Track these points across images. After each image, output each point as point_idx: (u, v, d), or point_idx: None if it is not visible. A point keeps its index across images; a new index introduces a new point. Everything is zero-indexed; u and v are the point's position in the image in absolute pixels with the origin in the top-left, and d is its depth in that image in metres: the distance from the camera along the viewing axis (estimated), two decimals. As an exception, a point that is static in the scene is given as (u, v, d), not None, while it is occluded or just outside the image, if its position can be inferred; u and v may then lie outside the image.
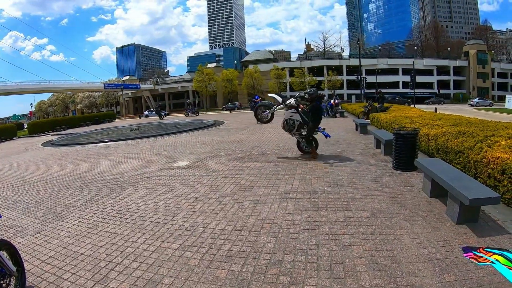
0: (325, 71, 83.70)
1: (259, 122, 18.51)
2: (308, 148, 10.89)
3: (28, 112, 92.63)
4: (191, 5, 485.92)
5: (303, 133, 10.81)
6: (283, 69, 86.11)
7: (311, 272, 3.89)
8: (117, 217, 6.57)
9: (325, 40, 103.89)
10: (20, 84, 74.10)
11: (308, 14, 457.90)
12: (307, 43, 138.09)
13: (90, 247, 5.26)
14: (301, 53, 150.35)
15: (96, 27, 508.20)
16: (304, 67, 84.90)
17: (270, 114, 13.17)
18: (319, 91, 12.78)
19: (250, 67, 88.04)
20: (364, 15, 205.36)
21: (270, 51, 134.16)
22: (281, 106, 11.66)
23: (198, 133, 22.37)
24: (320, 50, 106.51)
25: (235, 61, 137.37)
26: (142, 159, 13.33)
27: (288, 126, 10.85)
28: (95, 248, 5.17)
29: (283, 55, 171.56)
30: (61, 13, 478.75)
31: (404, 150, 8.15)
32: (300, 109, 10.76)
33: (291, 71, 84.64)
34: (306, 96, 10.97)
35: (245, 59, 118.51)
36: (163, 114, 49.62)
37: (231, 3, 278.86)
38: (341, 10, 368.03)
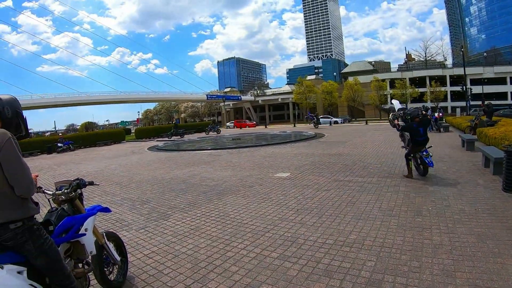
0: (428, 81, 79.80)
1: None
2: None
3: (135, 119, 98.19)
4: (287, 18, 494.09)
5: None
6: (383, 80, 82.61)
7: (411, 295, 3.73)
8: (219, 221, 6.80)
9: (426, 49, 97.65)
10: (127, 94, 79.65)
11: (406, 21, 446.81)
12: (407, 52, 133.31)
13: (191, 247, 5.50)
14: (401, 63, 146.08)
15: (197, 42, 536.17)
16: (405, 78, 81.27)
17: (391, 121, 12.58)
18: (423, 105, 12.32)
19: (350, 78, 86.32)
20: (466, 19, 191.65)
21: (370, 62, 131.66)
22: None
23: (298, 145, 22.32)
24: (422, 59, 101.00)
25: (334, 73, 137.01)
26: (243, 168, 13.59)
27: (401, 138, 11.15)
28: (196, 249, 5.39)
29: (382, 66, 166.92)
30: (163, 30, 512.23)
31: (516, 170, 7.53)
32: (396, 124, 10.78)
33: (392, 82, 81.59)
34: (407, 116, 10.69)
35: (344, 70, 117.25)
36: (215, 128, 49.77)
37: (328, 14, 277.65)
38: (440, 15, 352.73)
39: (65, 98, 69.27)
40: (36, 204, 3.00)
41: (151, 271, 4.71)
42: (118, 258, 4.29)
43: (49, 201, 3.75)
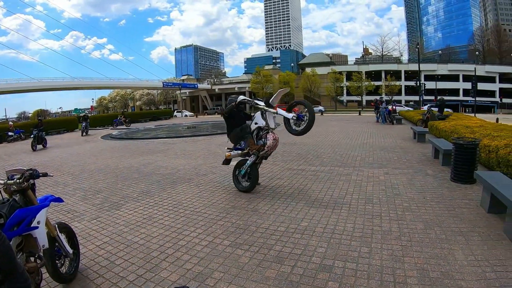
0: (383, 76, 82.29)
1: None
2: None
3: (89, 107, 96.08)
4: (245, 7, 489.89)
5: None
6: (340, 72, 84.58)
7: (360, 281, 3.83)
8: (172, 210, 6.74)
9: (383, 44, 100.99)
10: (82, 80, 77.66)
11: (365, 16, 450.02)
12: (365, 47, 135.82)
13: (143, 236, 5.44)
14: (358, 56, 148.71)
15: (153, 28, 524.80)
16: (361, 71, 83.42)
17: None
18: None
19: (307, 69, 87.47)
20: (424, 18, 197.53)
21: (327, 54, 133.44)
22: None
23: (253, 133, 22.23)
24: (378, 54, 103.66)
25: (292, 64, 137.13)
26: (198, 156, 13.58)
27: None
28: (149, 238, 5.34)
29: (340, 59, 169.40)
30: (119, 14, 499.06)
31: (463, 161, 7.82)
32: None
33: (349, 75, 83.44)
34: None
35: (302, 61, 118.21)
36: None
37: (288, 5, 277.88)
38: (398, 12, 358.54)
39: (16, 84, 66.31)
40: None
41: (103, 262, 4.61)
42: (71, 251, 4.17)
43: (0, 191, 3.61)
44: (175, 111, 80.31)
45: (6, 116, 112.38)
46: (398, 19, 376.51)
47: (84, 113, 35.44)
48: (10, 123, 33.63)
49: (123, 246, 5.08)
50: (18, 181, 3.48)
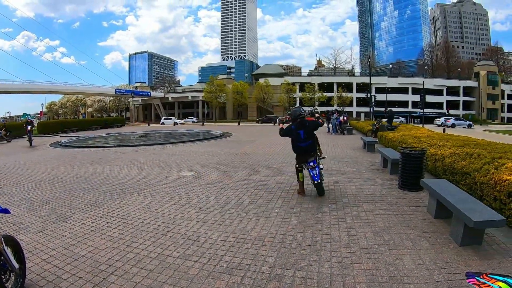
0: (335, 87, 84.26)
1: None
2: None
3: (39, 112, 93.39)
4: (202, 16, 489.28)
5: None
6: (293, 84, 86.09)
7: (310, 289, 3.85)
8: (120, 222, 6.60)
9: (336, 57, 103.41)
10: (32, 84, 75.09)
11: (319, 29, 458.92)
12: (318, 59, 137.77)
13: (91, 249, 5.27)
14: (312, 68, 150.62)
15: (108, 32, 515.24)
16: (314, 83, 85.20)
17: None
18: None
19: (261, 80, 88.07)
20: (376, 33, 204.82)
21: (281, 66, 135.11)
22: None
23: (206, 143, 22.52)
24: (331, 66, 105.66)
25: (246, 74, 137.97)
26: (148, 166, 13.41)
27: None
28: (96, 251, 5.18)
29: (293, 70, 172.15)
30: (73, 16, 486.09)
31: (410, 170, 8.10)
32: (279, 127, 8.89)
33: (302, 86, 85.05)
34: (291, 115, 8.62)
35: (256, 72, 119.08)
36: None
37: (245, 15, 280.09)
38: (352, 27, 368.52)
39: None
40: None
41: (49, 276, 4.42)
42: (17, 265, 3.95)
43: None
44: (163, 117, 77.99)
45: None
46: (352, 33, 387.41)
47: (27, 118, 30.63)
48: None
49: (70, 260, 4.90)
50: None
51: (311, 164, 7.88)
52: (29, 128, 26.64)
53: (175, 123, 68.74)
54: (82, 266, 4.67)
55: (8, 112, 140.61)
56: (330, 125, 30.53)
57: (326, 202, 7.35)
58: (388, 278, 3.99)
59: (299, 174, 8.22)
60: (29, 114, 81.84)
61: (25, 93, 78.43)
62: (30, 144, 25.24)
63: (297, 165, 8.28)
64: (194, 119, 76.01)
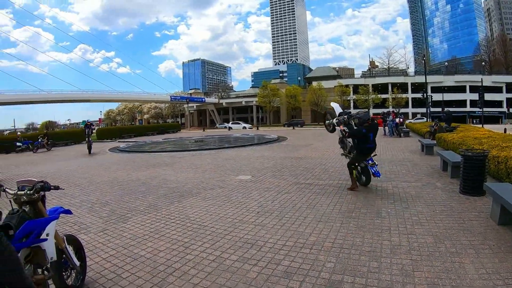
0: (390, 88, 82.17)
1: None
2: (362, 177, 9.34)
3: (98, 119, 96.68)
4: (252, 21, 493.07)
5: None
6: (347, 86, 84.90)
7: (371, 296, 3.76)
8: (179, 224, 6.72)
9: (389, 56, 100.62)
10: (91, 93, 78.26)
11: (370, 29, 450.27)
12: (371, 60, 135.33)
13: (150, 250, 5.41)
14: (364, 69, 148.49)
15: (161, 42, 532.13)
16: (368, 84, 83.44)
17: (331, 125, 10.87)
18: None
19: (314, 83, 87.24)
20: (429, 29, 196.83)
21: (334, 68, 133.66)
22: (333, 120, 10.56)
23: (261, 147, 22.53)
24: (385, 66, 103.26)
25: (299, 78, 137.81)
26: (205, 170, 13.55)
27: (341, 144, 10.39)
28: (156, 252, 5.31)
29: (346, 72, 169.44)
30: (126, 28, 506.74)
31: (472, 173, 7.73)
32: (340, 128, 9.60)
33: (355, 88, 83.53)
34: (356, 120, 9.37)
35: (309, 75, 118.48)
36: None
37: (294, 19, 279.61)
38: (404, 24, 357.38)
39: (25, 95, 66.72)
40: None
41: (109, 275, 4.59)
42: (78, 263, 4.16)
43: (10, 201, 3.58)
44: (230, 122, 77.91)
45: (14, 126, 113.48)
46: (404, 31, 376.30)
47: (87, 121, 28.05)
48: (18, 133, 33.84)
49: (130, 260, 5.06)
50: (28, 192, 3.48)
51: (370, 162, 8.91)
52: (87, 131, 25.35)
53: (244, 128, 68.25)
54: (141, 266, 4.81)
55: (68, 120, 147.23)
56: (387, 127, 29.55)
57: (385, 207, 7.15)
58: (450, 287, 3.83)
59: (354, 171, 9.08)
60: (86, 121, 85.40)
61: (84, 102, 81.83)
62: (89, 152, 23.96)
63: (353, 164, 9.08)
64: (245, 125, 75.00)
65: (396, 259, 4.58)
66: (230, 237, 5.78)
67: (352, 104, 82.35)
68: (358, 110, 9.33)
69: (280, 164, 14.07)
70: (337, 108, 10.82)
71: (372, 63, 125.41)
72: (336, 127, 10.23)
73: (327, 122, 11.14)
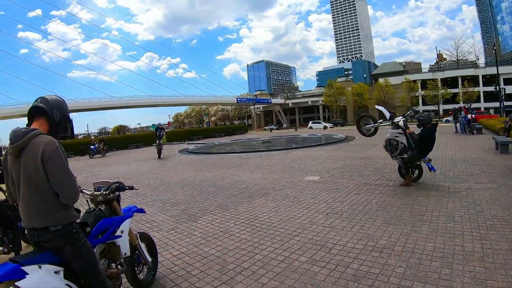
0: (460, 82, 78.02)
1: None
2: (413, 176, 9.86)
3: (166, 123, 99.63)
4: (312, 20, 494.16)
5: (405, 157, 9.75)
6: (414, 81, 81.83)
7: (441, 304, 3.66)
8: (248, 224, 6.84)
9: (457, 48, 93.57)
10: (159, 98, 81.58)
11: (435, 20, 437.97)
12: (438, 52, 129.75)
13: (220, 249, 5.57)
14: (432, 63, 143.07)
15: (224, 46, 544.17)
16: (436, 79, 79.88)
17: (373, 128, 10.98)
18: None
19: (380, 80, 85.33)
20: (497, 16, 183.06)
21: (400, 63, 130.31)
22: (386, 123, 10.62)
23: (329, 148, 22.30)
24: (453, 59, 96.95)
25: (365, 75, 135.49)
26: (273, 171, 13.65)
27: (390, 146, 10.07)
28: (225, 251, 5.46)
29: (413, 67, 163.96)
30: (190, 35, 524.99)
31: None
32: (408, 131, 9.57)
33: (423, 83, 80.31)
34: (419, 121, 9.62)
35: (375, 72, 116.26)
36: None
37: (356, 14, 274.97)
38: (470, 12, 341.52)
39: (97, 102, 71.00)
40: (78, 211, 3.05)
41: (179, 271, 4.80)
42: (150, 259, 4.41)
43: (87, 201, 3.89)
44: (310, 122, 74.91)
45: (88, 131, 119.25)
46: (470, 20, 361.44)
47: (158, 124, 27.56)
48: (92, 137, 35.75)
49: (200, 257, 5.24)
50: (104, 193, 3.74)
51: (427, 158, 9.50)
52: (158, 133, 24.68)
53: (325, 127, 65.72)
54: (210, 264, 4.97)
55: (138, 124, 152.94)
56: (458, 124, 28.19)
57: (458, 210, 6.85)
58: (525, 299, 3.63)
59: (411, 169, 9.63)
60: (157, 125, 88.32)
61: (153, 106, 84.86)
62: (159, 156, 23.25)
63: (411, 163, 9.55)
64: (326, 124, 72.80)
65: (469, 266, 4.38)
66: (299, 238, 5.80)
67: (420, 101, 79.71)
68: (409, 111, 8.93)
69: (349, 165, 13.89)
70: (385, 111, 10.75)
71: (439, 55, 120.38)
72: (390, 131, 10.20)
73: (367, 126, 10.99)
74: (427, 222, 6.25)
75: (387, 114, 10.45)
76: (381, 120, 10.83)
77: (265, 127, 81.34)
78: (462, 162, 12.35)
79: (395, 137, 9.84)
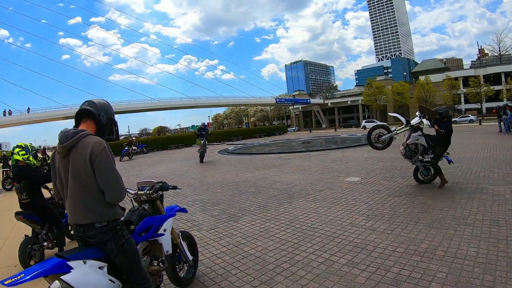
0: (503, 78, 74.45)
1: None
2: (428, 177, 9.85)
3: (206, 124, 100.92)
4: (349, 18, 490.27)
5: (426, 159, 9.52)
6: (456, 78, 78.64)
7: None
8: (288, 225, 6.87)
9: (499, 42, 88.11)
10: (198, 99, 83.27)
11: (475, 13, 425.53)
12: (480, 47, 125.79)
13: (260, 249, 5.63)
14: (474, 59, 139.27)
15: (261, 46, 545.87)
16: (479, 75, 76.50)
17: (389, 138, 10.03)
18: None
19: (421, 78, 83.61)
20: None
21: (440, 60, 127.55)
22: (403, 128, 9.93)
23: (369, 148, 21.61)
24: (496, 54, 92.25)
25: (404, 73, 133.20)
26: (313, 171, 13.60)
27: (410, 152, 9.59)
28: (265, 251, 5.51)
29: (454, 63, 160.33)
30: (227, 37, 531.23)
31: None
32: (435, 128, 9.40)
33: (465, 81, 77.47)
34: (437, 115, 9.64)
35: (415, 69, 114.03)
36: None
37: (394, 10, 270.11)
38: (510, 4, 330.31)
39: (138, 104, 73.34)
40: (123, 209, 3.18)
41: (219, 270, 4.89)
42: (191, 258, 4.54)
43: (131, 200, 4.05)
44: (364, 121, 75.71)
45: (129, 132, 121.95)
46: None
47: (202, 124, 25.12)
48: (133, 138, 36.88)
49: (240, 257, 5.33)
50: (148, 192, 3.90)
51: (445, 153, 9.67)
52: (200, 132, 22.42)
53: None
54: (250, 264, 5.04)
55: (178, 125, 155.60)
56: (502, 123, 26.65)
57: (503, 214, 6.62)
58: None
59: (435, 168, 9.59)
60: (197, 126, 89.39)
61: (193, 108, 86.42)
62: (201, 161, 20.99)
63: (439, 160, 9.59)
64: (379, 123, 69.69)
65: (512, 274, 4.27)
66: (339, 240, 5.78)
67: (462, 99, 77.40)
68: (437, 108, 8.65)
69: (390, 166, 13.69)
70: (400, 117, 10.62)
71: (481, 51, 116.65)
72: (412, 134, 9.63)
73: (382, 138, 10.02)
74: (470, 226, 6.08)
75: (403, 119, 10.12)
76: (399, 127, 10.17)
77: (288, 129, 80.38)
78: (507, 164, 11.94)
79: (416, 140, 9.51)
